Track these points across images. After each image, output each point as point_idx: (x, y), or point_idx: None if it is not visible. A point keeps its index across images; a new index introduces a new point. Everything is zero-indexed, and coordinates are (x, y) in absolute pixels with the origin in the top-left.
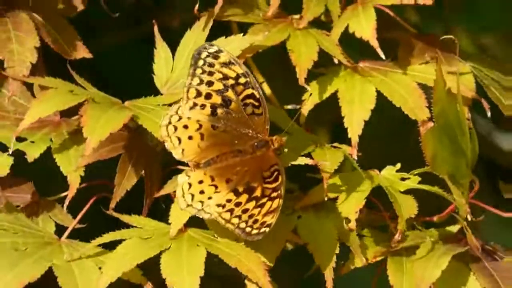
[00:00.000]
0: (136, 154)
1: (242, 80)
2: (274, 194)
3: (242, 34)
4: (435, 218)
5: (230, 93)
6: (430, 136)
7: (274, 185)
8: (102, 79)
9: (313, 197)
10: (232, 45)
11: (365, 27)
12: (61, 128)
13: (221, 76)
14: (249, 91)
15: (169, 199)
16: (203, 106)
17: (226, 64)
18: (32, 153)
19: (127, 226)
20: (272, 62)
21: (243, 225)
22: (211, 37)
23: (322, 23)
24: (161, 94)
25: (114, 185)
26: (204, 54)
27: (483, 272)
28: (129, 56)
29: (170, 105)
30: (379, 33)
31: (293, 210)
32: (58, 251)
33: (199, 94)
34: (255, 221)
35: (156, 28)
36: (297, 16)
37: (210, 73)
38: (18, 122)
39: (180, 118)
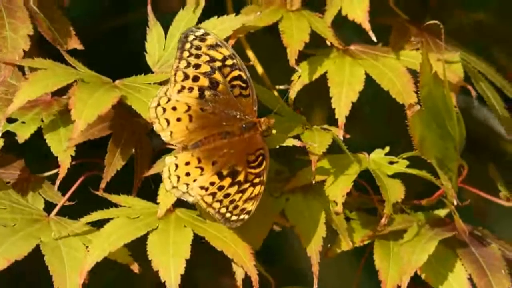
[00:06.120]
0: (127, 133)
1: (229, 62)
2: (257, 180)
3: (234, 14)
4: (423, 202)
5: (217, 75)
6: (418, 119)
7: (257, 170)
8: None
9: (301, 179)
10: (224, 25)
11: (357, 10)
12: (52, 108)
13: (208, 58)
14: (236, 73)
15: (159, 179)
16: (190, 89)
17: (213, 47)
18: (23, 134)
19: (117, 205)
20: (265, 42)
21: (223, 210)
22: (204, 18)
23: (316, 6)
24: (152, 73)
25: (104, 164)
26: (191, 37)
27: (470, 258)
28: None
29: (161, 83)
30: (372, 18)
31: (282, 193)
32: (46, 228)
33: (186, 77)
34: (235, 207)
35: (149, 7)
36: None
37: (197, 56)
38: (9, 103)
39: (169, 99)
